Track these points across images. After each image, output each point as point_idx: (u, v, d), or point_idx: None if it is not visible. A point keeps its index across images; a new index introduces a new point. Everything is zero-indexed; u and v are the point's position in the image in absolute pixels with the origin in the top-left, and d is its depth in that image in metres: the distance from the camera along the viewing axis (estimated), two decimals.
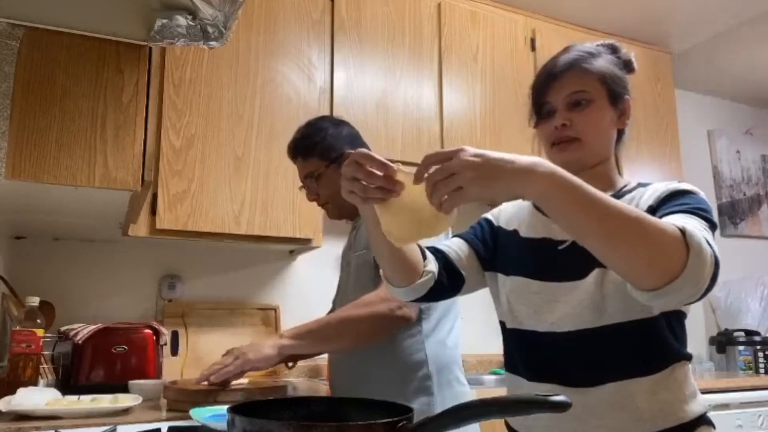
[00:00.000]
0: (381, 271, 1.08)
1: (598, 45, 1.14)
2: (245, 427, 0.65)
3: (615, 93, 1.09)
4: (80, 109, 1.40)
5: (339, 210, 1.59)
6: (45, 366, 1.77)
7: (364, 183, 0.83)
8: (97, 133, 1.41)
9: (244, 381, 1.55)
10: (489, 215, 1.24)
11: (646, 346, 0.98)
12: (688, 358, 1.02)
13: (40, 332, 1.64)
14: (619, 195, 1.05)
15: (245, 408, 0.72)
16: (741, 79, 3.71)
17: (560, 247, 1.06)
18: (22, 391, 1.46)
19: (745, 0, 2.87)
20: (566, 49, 1.13)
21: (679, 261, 0.77)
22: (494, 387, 2.55)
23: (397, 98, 2.46)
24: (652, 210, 0.96)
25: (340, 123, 1.63)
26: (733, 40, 3.23)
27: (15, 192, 1.49)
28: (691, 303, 0.84)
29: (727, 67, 3.56)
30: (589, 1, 2.86)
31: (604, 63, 1.10)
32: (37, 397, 1.45)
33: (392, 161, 2.34)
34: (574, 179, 0.79)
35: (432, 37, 2.59)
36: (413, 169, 0.82)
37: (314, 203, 1.62)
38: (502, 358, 3.22)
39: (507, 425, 1.13)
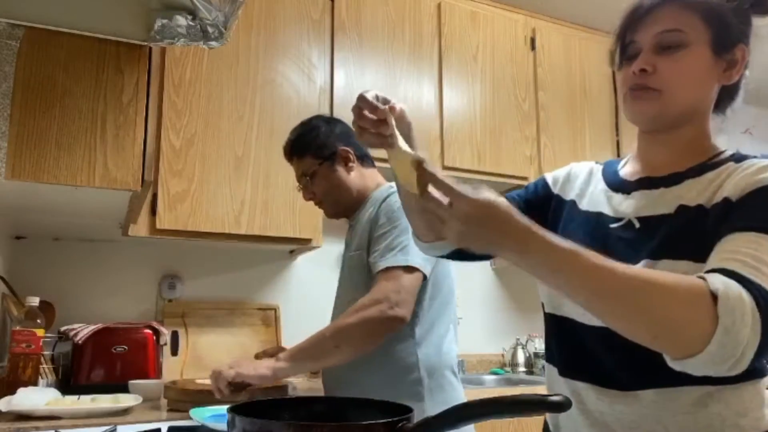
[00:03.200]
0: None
1: None
2: (245, 427, 0.65)
3: (722, 38, 0.87)
4: (80, 109, 1.40)
5: (335, 208, 1.58)
6: (45, 366, 1.77)
7: (362, 127, 0.86)
8: (97, 133, 1.41)
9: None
10: (549, 176, 1.08)
11: None
12: (761, 374, 0.82)
13: (40, 332, 1.64)
14: (703, 167, 0.87)
15: (245, 408, 0.72)
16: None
17: (612, 225, 0.90)
18: (22, 391, 1.46)
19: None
20: None
21: (701, 335, 0.64)
22: (494, 387, 2.55)
23: (397, 98, 2.41)
24: (729, 205, 0.78)
25: (333, 120, 1.63)
26: None
27: (15, 192, 1.49)
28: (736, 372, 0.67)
29: None
30: (589, 1, 2.86)
31: None
32: (37, 397, 1.45)
33: None
34: (548, 250, 0.70)
35: (432, 37, 2.59)
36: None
37: (313, 203, 1.62)
38: (502, 358, 3.21)
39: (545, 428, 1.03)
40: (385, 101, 0.91)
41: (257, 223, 2.12)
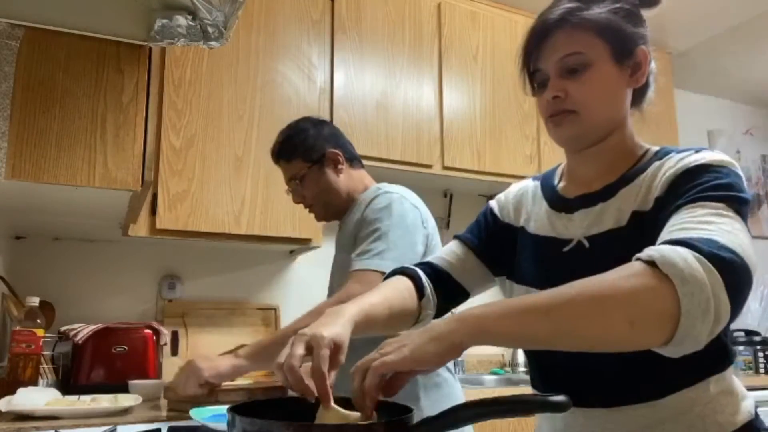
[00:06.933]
0: None
1: None
2: (245, 427, 0.65)
3: (621, 47, 0.88)
4: (80, 109, 1.40)
5: (325, 211, 1.58)
6: (45, 366, 1.77)
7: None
8: (97, 133, 1.41)
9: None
10: (494, 205, 1.08)
11: (674, 364, 0.78)
12: (729, 361, 0.85)
13: (40, 332, 1.64)
14: (635, 172, 0.89)
15: (245, 408, 0.72)
16: (741, 79, 3.71)
17: (565, 249, 0.91)
18: (22, 391, 1.46)
19: (745, 0, 2.87)
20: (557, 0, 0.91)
21: (668, 299, 0.63)
22: (494, 387, 2.55)
23: (397, 98, 2.46)
24: (661, 203, 0.81)
25: (321, 122, 1.62)
26: (733, 40, 3.22)
27: (15, 192, 1.49)
28: (733, 320, 0.67)
29: (727, 67, 3.56)
30: None
31: (602, 11, 0.88)
32: (37, 397, 1.45)
33: (392, 161, 2.36)
34: (492, 310, 0.69)
35: (432, 37, 2.59)
36: None
37: (303, 206, 1.61)
38: (502, 358, 3.21)
39: None
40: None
41: (257, 223, 2.12)
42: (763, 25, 3.07)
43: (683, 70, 3.43)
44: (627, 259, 0.71)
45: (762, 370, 2.95)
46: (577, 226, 0.91)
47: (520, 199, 1.05)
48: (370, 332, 0.86)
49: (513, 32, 2.80)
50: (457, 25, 2.66)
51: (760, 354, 2.97)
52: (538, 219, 0.99)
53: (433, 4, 2.63)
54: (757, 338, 3.05)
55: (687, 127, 3.41)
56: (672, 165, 0.84)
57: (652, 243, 0.72)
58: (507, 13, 2.81)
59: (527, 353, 1.00)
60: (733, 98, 3.97)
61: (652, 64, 0.93)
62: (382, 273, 1.32)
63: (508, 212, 1.05)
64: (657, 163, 0.88)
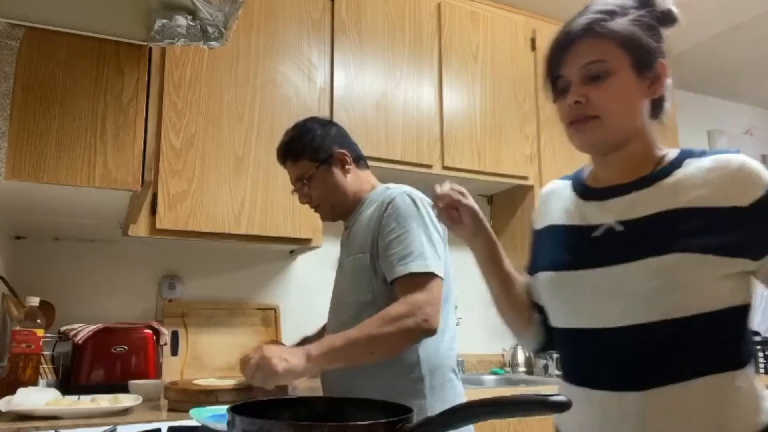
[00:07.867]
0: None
1: None
2: (245, 427, 0.65)
3: (641, 59, 0.92)
4: (80, 109, 1.40)
5: (332, 211, 1.57)
6: (45, 366, 1.77)
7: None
8: (97, 133, 1.41)
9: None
10: (532, 220, 1.16)
11: (703, 348, 0.86)
12: (740, 364, 0.87)
13: (40, 332, 1.64)
14: (667, 168, 0.93)
15: (245, 408, 0.72)
16: (741, 79, 3.71)
17: (594, 234, 0.94)
18: (22, 391, 1.46)
19: (745, 0, 2.87)
20: (583, 10, 0.96)
21: None
22: (494, 387, 2.55)
23: (397, 98, 2.46)
24: (746, 211, 0.85)
25: (328, 123, 1.61)
26: (733, 40, 3.22)
27: (15, 192, 1.49)
28: None
29: (727, 67, 3.56)
30: (588, 2, 2.86)
31: (626, 23, 0.92)
32: (37, 397, 1.45)
33: (392, 161, 2.38)
34: None
35: (432, 37, 2.59)
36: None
37: (309, 206, 1.61)
38: (502, 359, 3.20)
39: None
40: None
41: (257, 223, 2.12)
42: (763, 25, 3.07)
43: (683, 70, 3.43)
44: (663, 242, 0.79)
45: (762, 370, 2.95)
46: (610, 212, 0.94)
47: (546, 199, 1.11)
48: (493, 265, 1.09)
49: (513, 32, 2.80)
50: (457, 25, 2.66)
51: (760, 354, 2.97)
52: (567, 211, 1.03)
53: (433, 4, 2.63)
54: (757, 338, 3.05)
55: (687, 127, 3.41)
56: (744, 174, 0.87)
57: (712, 233, 0.83)
58: (507, 13, 2.81)
59: (563, 346, 1.02)
60: (733, 98, 3.97)
61: (669, 79, 0.97)
62: (430, 273, 1.35)
63: (540, 218, 1.11)
64: (695, 161, 0.91)
